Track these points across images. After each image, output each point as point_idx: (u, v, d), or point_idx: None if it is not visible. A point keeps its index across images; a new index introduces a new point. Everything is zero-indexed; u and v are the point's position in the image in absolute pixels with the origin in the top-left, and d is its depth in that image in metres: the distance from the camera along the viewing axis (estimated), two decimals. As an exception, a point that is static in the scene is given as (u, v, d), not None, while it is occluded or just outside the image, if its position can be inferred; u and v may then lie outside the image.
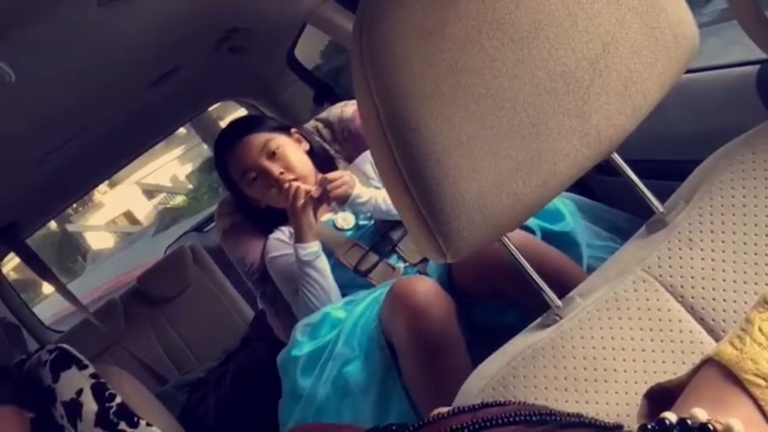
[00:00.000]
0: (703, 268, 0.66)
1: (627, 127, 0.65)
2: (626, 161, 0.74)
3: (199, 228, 3.51)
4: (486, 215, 0.60)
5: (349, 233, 1.52)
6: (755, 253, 0.66)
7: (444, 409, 0.37)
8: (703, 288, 0.65)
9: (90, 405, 1.59)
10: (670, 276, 0.67)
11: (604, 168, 0.73)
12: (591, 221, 1.43)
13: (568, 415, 0.36)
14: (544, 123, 0.60)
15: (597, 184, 1.58)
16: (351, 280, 1.46)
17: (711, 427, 0.41)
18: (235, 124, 1.63)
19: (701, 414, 0.42)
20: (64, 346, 1.70)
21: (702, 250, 0.67)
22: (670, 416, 0.43)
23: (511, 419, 0.34)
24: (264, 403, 1.54)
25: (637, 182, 0.75)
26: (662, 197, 0.76)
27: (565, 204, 1.34)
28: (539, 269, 0.72)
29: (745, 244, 0.67)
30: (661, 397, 0.53)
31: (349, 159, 1.71)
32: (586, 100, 0.62)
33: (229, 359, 2.23)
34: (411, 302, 1.11)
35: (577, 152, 0.62)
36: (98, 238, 16.10)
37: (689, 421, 0.42)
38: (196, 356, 2.72)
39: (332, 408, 1.20)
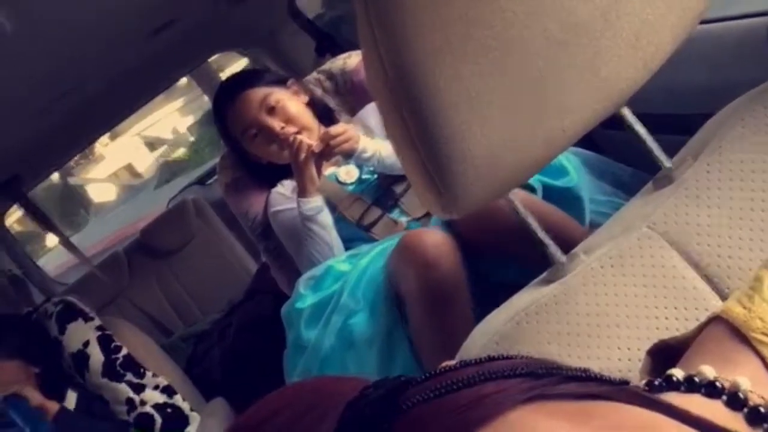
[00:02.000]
0: (709, 225, 0.65)
1: (638, 81, 0.63)
2: (634, 115, 0.73)
3: (201, 181, 3.51)
4: (493, 171, 0.60)
5: (351, 187, 1.52)
6: (763, 210, 0.66)
7: (451, 362, 0.37)
8: (708, 245, 0.65)
9: (97, 356, 1.62)
10: (676, 233, 0.66)
11: (610, 122, 0.72)
12: (595, 176, 1.42)
13: (575, 369, 0.36)
14: (554, 76, 0.59)
15: (602, 138, 1.57)
16: (353, 235, 1.46)
17: (718, 385, 0.41)
18: (232, 80, 1.61)
19: (708, 371, 0.42)
20: (70, 298, 1.72)
21: (709, 207, 0.66)
22: (677, 373, 0.43)
23: (518, 372, 0.34)
24: (268, 355, 1.57)
25: (646, 136, 0.74)
26: (670, 152, 0.75)
27: (568, 159, 1.33)
28: (542, 227, 0.72)
29: (753, 201, 0.66)
30: (664, 353, 0.54)
31: (352, 112, 1.69)
32: (597, 53, 0.60)
33: (233, 312, 2.25)
34: (421, 254, 1.11)
35: (587, 106, 0.61)
36: (100, 191, 16.11)
37: (696, 378, 0.42)
38: (200, 309, 2.75)
39: (337, 359, 1.22)
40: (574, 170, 1.29)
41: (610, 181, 1.41)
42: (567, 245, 0.73)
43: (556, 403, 0.33)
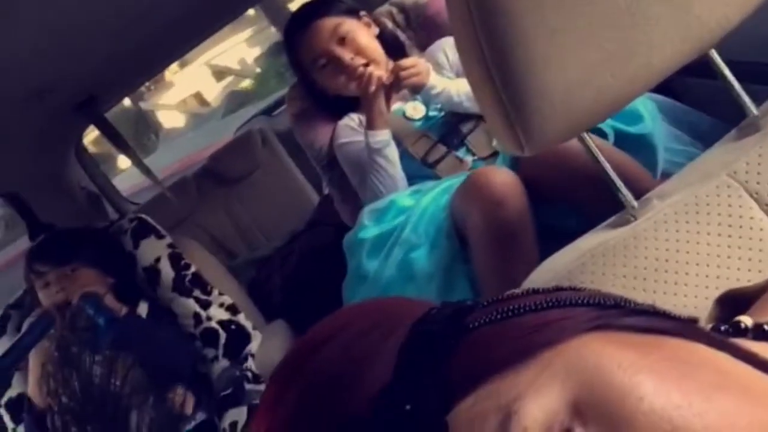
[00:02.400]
0: (794, 177, 0.63)
1: (732, 21, 0.60)
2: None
3: (267, 112, 3.54)
4: (570, 109, 0.58)
5: (418, 123, 1.51)
6: None
7: (517, 290, 0.38)
8: (791, 197, 0.63)
9: (167, 272, 1.71)
10: (758, 183, 0.64)
11: (688, 68, 0.68)
12: (672, 123, 1.36)
13: (642, 304, 0.36)
14: (641, 11, 0.57)
15: (680, 86, 1.49)
16: (418, 171, 1.46)
17: None
18: (305, 8, 1.59)
19: None
20: (144, 216, 1.80)
21: (797, 157, 0.63)
22: (746, 320, 0.43)
23: (585, 302, 0.35)
24: (328, 283, 1.61)
25: (734, 82, 0.71)
26: (757, 102, 0.72)
27: (644, 104, 1.28)
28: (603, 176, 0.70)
29: (844, 153, 0.63)
30: (733, 303, 0.53)
31: (422, 47, 1.66)
32: (691, -11, 0.57)
33: (294, 240, 2.31)
34: (489, 191, 1.10)
35: (674, 45, 0.59)
36: (170, 117, 16.52)
37: (766, 327, 0.41)
38: (264, 235, 2.83)
39: (397, 291, 1.24)
40: (650, 116, 1.24)
41: (687, 130, 1.36)
42: (636, 195, 0.71)
43: (621, 334, 0.33)
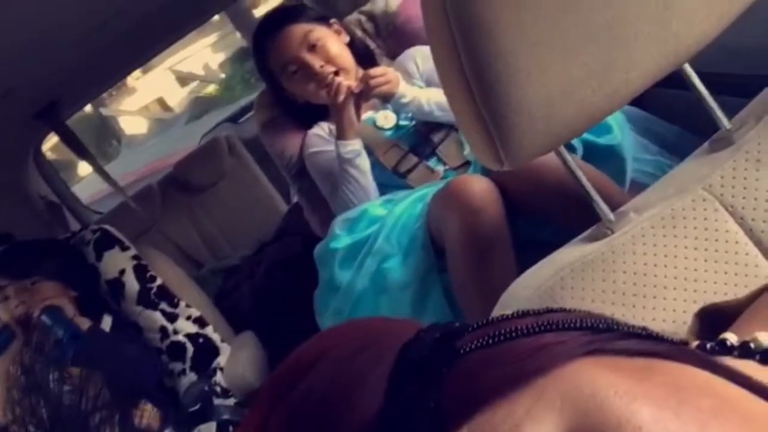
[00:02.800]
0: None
1: (708, 36, 0.60)
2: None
3: (233, 119, 3.51)
4: (549, 123, 0.58)
5: (389, 133, 1.50)
6: (827, 179, 0.63)
7: (507, 312, 0.37)
8: (765, 211, 0.63)
9: (132, 284, 1.66)
10: (732, 197, 0.65)
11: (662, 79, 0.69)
12: (640, 133, 1.38)
13: (634, 326, 0.36)
14: (621, 28, 0.57)
15: (648, 95, 1.51)
16: (389, 181, 1.45)
17: None
18: (275, 14, 1.58)
19: (765, 338, 0.41)
20: (107, 227, 1.75)
21: (770, 171, 0.64)
22: (731, 337, 0.43)
23: (578, 325, 0.34)
24: (296, 293, 1.59)
25: (706, 95, 0.71)
26: (728, 114, 0.73)
27: (613, 115, 1.29)
28: (579, 189, 0.70)
29: (816, 168, 0.64)
30: (712, 317, 0.53)
31: (392, 55, 1.66)
32: (668, 5, 0.58)
33: (262, 250, 2.28)
34: (467, 200, 1.10)
35: (652, 61, 0.59)
36: (132, 123, 16.22)
37: (751, 345, 0.41)
38: (231, 244, 2.79)
39: (370, 302, 1.23)
40: (618, 127, 1.25)
41: (655, 140, 1.38)
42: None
43: (616, 358, 0.32)
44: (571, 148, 1.21)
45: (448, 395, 0.30)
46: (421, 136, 1.47)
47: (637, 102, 1.50)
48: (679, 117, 1.39)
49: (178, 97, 15.84)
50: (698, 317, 0.54)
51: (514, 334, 0.33)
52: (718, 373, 0.34)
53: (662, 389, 0.30)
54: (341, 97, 1.41)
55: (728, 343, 0.43)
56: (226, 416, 1.50)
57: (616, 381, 0.30)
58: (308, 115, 1.58)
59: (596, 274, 0.64)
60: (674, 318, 0.62)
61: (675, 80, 0.70)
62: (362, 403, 0.30)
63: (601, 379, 0.30)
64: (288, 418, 0.32)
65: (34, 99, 2.09)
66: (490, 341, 0.33)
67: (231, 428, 1.47)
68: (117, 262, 1.68)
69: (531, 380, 0.30)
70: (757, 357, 0.41)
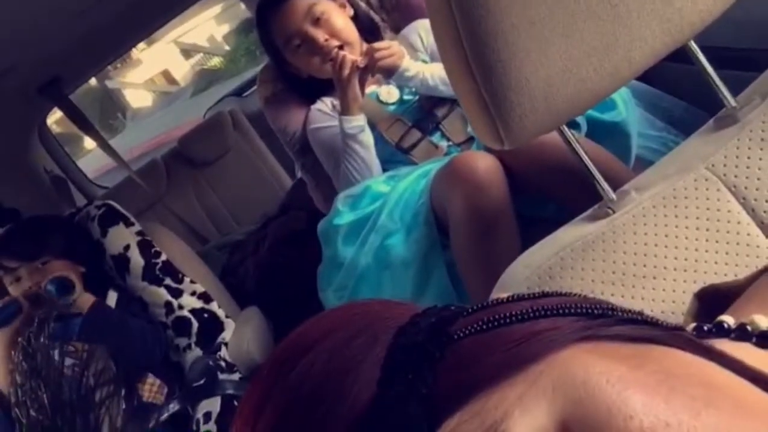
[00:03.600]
0: (772, 171, 0.63)
1: (714, 12, 0.59)
2: (699, 47, 0.69)
3: (238, 92, 3.48)
4: (550, 103, 0.57)
5: (392, 107, 1.49)
6: (832, 158, 0.63)
7: (503, 295, 0.37)
8: (768, 191, 0.63)
9: (137, 260, 1.67)
10: (735, 176, 0.64)
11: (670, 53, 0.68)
12: (646, 109, 1.36)
13: (630, 311, 0.36)
14: (623, 4, 0.55)
15: (654, 70, 1.49)
16: (392, 156, 1.45)
17: None
18: None
19: (762, 321, 0.41)
20: (112, 203, 1.76)
21: (774, 151, 0.63)
22: (728, 320, 0.43)
23: (573, 310, 0.34)
24: (300, 268, 1.59)
25: (711, 72, 0.70)
26: (734, 89, 0.72)
27: (618, 91, 1.27)
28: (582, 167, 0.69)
29: (821, 147, 0.63)
30: (712, 298, 0.53)
31: (396, 29, 1.64)
32: (673, -20, 0.56)
33: (267, 225, 2.28)
34: (471, 177, 1.09)
35: (655, 38, 0.58)
36: (137, 96, 16.17)
37: (748, 327, 0.41)
38: (235, 219, 2.80)
39: (372, 278, 1.23)
40: (623, 103, 1.23)
41: (661, 116, 1.36)
42: (610, 187, 0.71)
43: (610, 344, 0.32)
44: (575, 125, 1.20)
45: (441, 382, 0.30)
46: (425, 111, 1.46)
47: (644, 77, 1.48)
48: (686, 92, 1.37)
49: (183, 69, 15.76)
50: (697, 298, 0.54)
51: (508, 320, 0.33)
52: (713, 359, 0.33)
53: (655, 377, 0.30)
54: (346, 72, 1.39)
55: (725, 325, 0.43)
56: (230, 391, 1.52)
57: (609, 368, 0.30)
58: (312, 89, 1.57)
59: (596, 254, 0.63)
60: (674, 299, 0.62)
61: (682, 54, 0.69)
62: (356, 390, 0.31)
63: (594, 367, 0.30)
64: (284, 402, 0.33)
65: (37, 74, 2.08)
66: (485, 327, 0.33)
67: (235, 403, 1.49)
68: (122, 238, 1.68)
69: (524, 367, 0.30)
70: (754, 339, 0.41)
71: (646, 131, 1.29)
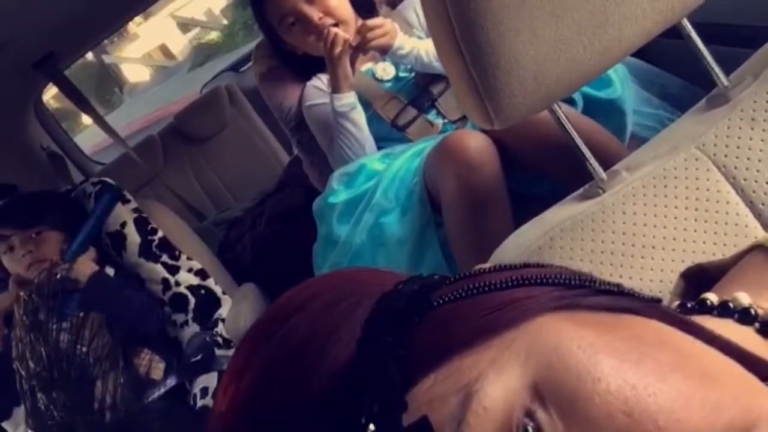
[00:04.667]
0: (762, 151, 0.63)
1: (706, -9, 0.59)
2: (692, 23, 0.68)
3: (235, 67, 3.46)
4: (540, 82, 0.57)
5: (388, 85, 1.48)
6: (821, 139, 0.62)
7: (485, 265, 0.38)
8: (758, 171, 0.63)
9: (133, 237, 1.67)
10: (725, 156, 0.64)
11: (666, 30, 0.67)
12: (642, 86, 1.36)
13: (608, 283, 0.36)
14: (615, -18, 0.55)
15: (650, 47, 1.48)
16: (388, 134, 1.44)
17: (752, 312, 0.41)
18: None
19: (744, 298, 0.42)
20: (108, 180, 1.76)
21: (764, 131, 0.63)
22: (712, 297, 0.43)
23: (551, 281, 0.34)
24: (297, 245, 1.60)
25: (704, 50, 0.70)
26: (728, 66, 0.71)
27: (614, 68, 1.26)
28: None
29: (812, 127, 0.63)
30: (698, 277, 0.53)
31: (392, 4, 1.62)
32: (665, -42, 0.56)
33: (264, 201, 2.28)
34: (464, 156, 1.08)
35: (646, 17, 0.57)
36: (134, 71, 16.04)
37: (731, 304, 0.41)
38: (233, 195, 2.80)
39: (367, 255, 1.24)
40: (619, 81, 1.23)
41: (658, 93, 1.35)
42: (604, 164, 0.71)
43: (586, 313, 0.33)
44: (571, 102, 1.19)
45: (418, 344, 0.31)
46: (421, 89, 1.45)
47: (641, 54, 1.47)
48: (683, 69, 1.36)
49: (180, 44, 15.61)
50: (683, 278, 0.54)
51: (488, 288, 0.34)
52: (687, 331, 0.34)
53: (626, 343, 0.31)
54: (337, 50, 1.38)
55: (708, 302, 0.43)
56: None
57: (581, 335, 0.31)
58: (307, 66, 1.56)
59: (585, 234, 0.64)
60: (662, 278, 0.62)
61: (679, 31, 0.69)
62: (336, 349, 0.31)
63: (566, 333, 0.31)
64: (265, 362, 0.33)
65: (32, 49, 2.06)
66: (465, 294, 0.33)
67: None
68: (118, 215, 1.69)
69: (500, 332, 0.31)
70: (736, 316, 0.42)
71: (642, 109, 1.29)
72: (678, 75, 1.39)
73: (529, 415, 0.29)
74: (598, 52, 0.58)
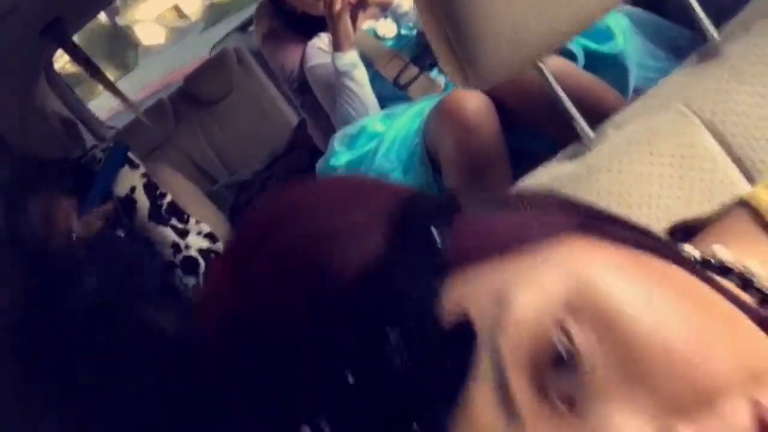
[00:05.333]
0: (749, 106, 0.61)
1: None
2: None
3: (243, 28, 3.42)
4: (518, 42, 0.56)
5: (390, 43, 1.46)
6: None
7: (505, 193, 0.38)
8: (745, 127, 0.61)
9: (143, 201, 1.70)
10: (712, 112, 0.63)
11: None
12: (648, 38, 1.32)
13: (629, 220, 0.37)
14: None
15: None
16: (390, 93, 1.43)
17: (730, 266, 0.41)
18: None
19: (721, 251, 0.41)
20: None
21: (752, 85, 0.62)
22: (691, 250, 0.43)
23: (582, 209, 0.35)
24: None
25: (693, 3, 0.68)
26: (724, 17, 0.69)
27: (617, 21, 1.23)
28: (576, 99, 0.69)
29: (802, 83, 0.61)
30: (683, 233, 0.53)
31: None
32: None
33: (273, 163, 2.29)
34: (461, 118, 1.07)
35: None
36: (148, 33, 15.95)
37: (710, 258, 0.41)
38: (244, 157, 2.80)
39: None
40: (622, 34, 1.19)
41: (665, 45, 1.32)
42: (604, 119, 0.70)
43: (615, 244, 0.32)
44: (572, 57, 1.17)
45: (450, 244, 0.29)
46: (423, 47, 1.42)
47: (653, 5, 1.43)
48: (692, 20, 1.32)
49: (193, 4, 15.45)
50: (669, 234, 0.54)
51: (517, 205, 0.33)
52: (702, 278, 0.34)
53: (656, 276, 0.31)
54: (337, 7, 1.37)
55: (686, 253, 0.43)
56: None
57: (615, 261, 0.30)
58: (309, 25, 1.54)
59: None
60: (646, 237, 0.62)
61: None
62: (360, 247, 0.29)
63: (601, 256, 0.30)
64: (274, 261, 0.30)
65: (40, 15, 2.06)
66: (495, 207, 0.33)
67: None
68: (127, 180, 1.71)
69: (535, 243, 0.30)
70: (716, 270, 0.42)
71: (647, 62, 1.25)
72: (692, 27, 1.34)
73: (562, 328, 0.28)
74: (578, 7, 0.56)
